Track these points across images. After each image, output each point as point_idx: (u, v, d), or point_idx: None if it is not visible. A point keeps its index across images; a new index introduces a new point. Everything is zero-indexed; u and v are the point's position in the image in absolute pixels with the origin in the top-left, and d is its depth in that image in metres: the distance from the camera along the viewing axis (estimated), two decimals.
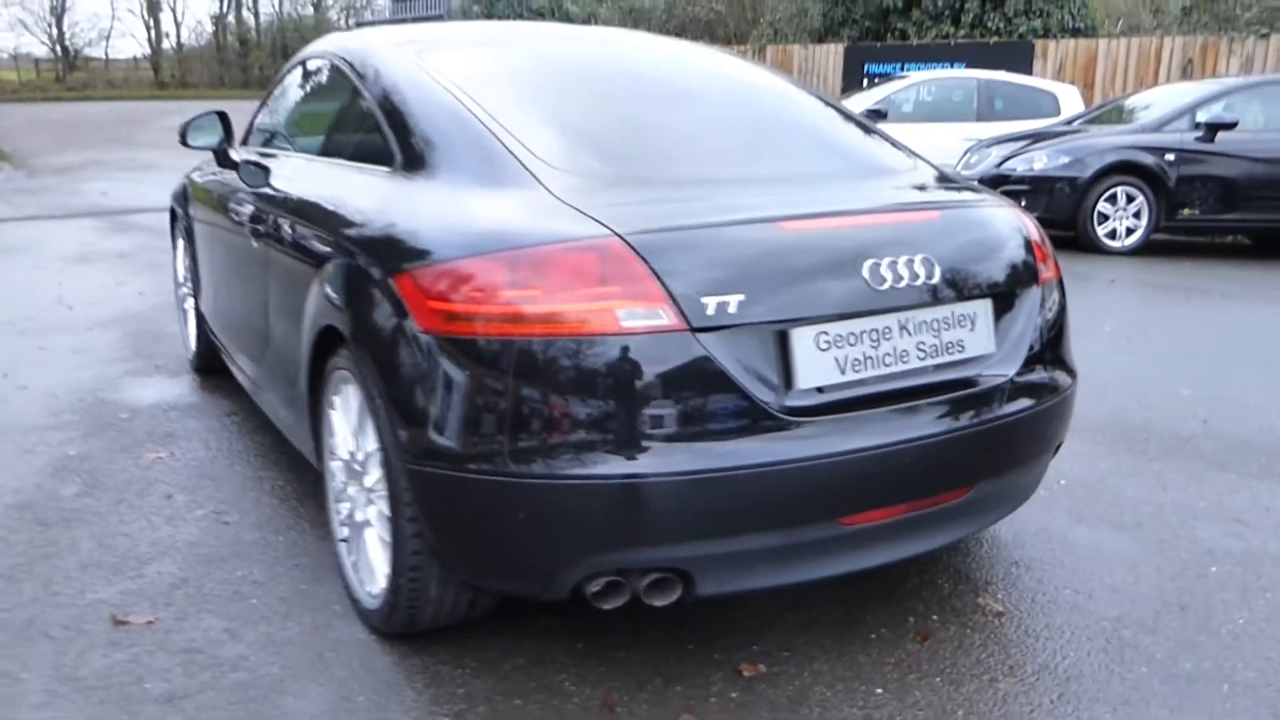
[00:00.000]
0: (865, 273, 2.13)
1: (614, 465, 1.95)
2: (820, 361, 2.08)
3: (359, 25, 21.26)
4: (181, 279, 4.65)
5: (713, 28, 18.29)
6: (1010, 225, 2.46)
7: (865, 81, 15.01)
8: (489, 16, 14.06)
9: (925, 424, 2.16)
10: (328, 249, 2.53)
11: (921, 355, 2.22)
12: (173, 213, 4.62)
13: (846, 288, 2.11)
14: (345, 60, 3.01)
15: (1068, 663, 2.37)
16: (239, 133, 3.84)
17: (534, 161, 2.27)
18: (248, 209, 3.23)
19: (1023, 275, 2.41)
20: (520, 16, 14.17)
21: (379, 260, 2.23)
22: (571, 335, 1.96)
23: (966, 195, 2.53)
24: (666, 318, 1.96)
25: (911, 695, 2.23)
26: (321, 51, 3.34)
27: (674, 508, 1.97)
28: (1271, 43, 10.76)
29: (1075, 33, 12.93)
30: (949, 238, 2.30)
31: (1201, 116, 8.40)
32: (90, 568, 2.76)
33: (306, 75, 3.53)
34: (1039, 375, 2.41)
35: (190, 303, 4.51)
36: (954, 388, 2.24)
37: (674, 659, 2.36)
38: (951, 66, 13.72)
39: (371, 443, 2.33)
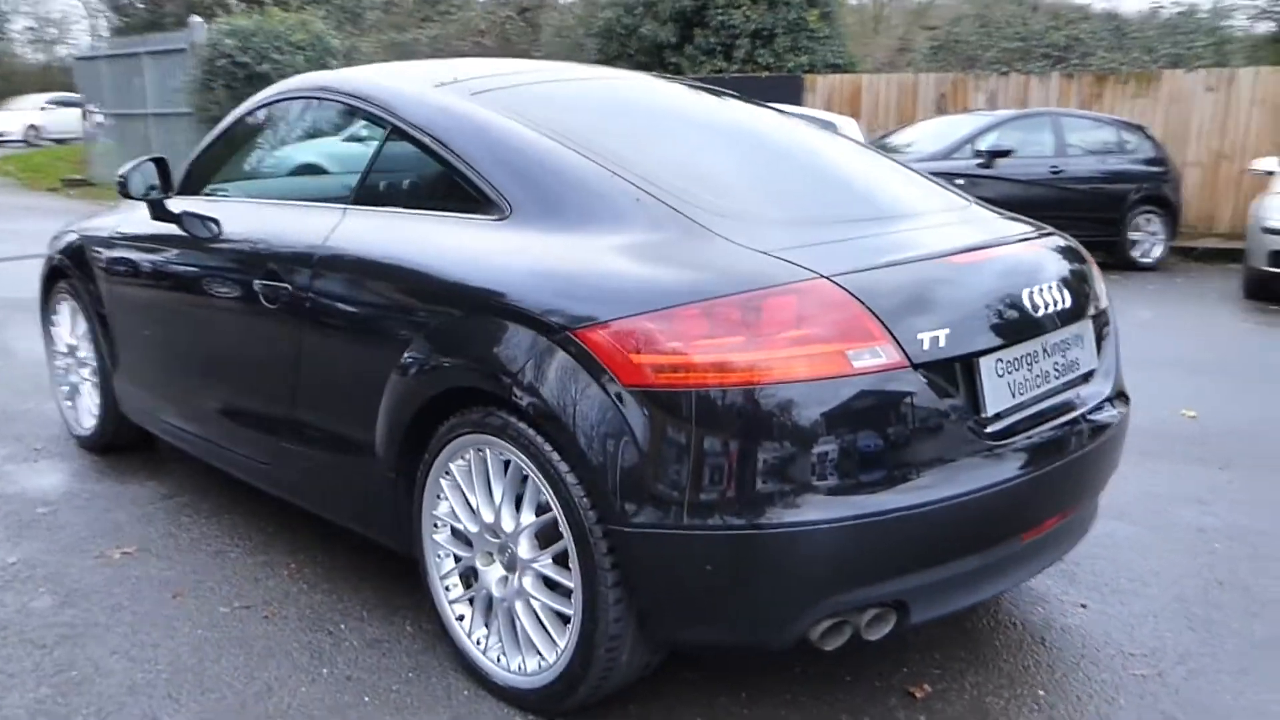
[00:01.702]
0: (1026, 300, 2.27)
1: (852, 506, 1.95)
2: (999, 387, 2.18)
3: (77, 57, 19.32)
4: (66, 349, 4.10)
5: None
6: (1082, 252, 2.68)
7: None
8: (244, 51, 13.22)
9: (1077, 440, 2.31)
10: (433, 306, 2.35)
11: (1057, 374, 2.37)
12: (55, 273, 4.06)
13: (1015, 315, 2.23)
14: (373, 102, 2.80)
15: (1173, 641, 2.60)
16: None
17: (685, 206, 2.23)
18: (247, 268, 2.91)
19: (1099, 297, 2.63)
20: (279, 50, 13.44)
21: (548, 317, 2.11)
22: (801, 380, 1.94)
23: (1033, 226, 2.72)
24: (890, 356, 1.99)
25: (1068, 686, 2.37)
26: (315, 91, 3.08)
27: (902, 541, 2.00)
28: (1011, 79, 12.16)
29: (836, 69, 14.00)
30: (1060, 264, 2.48)
31: (981, 145, 9.37)
32: (140, 689, 2.39)
33: (288, 119, 3.25)
34: (1118, 392, 2.62)
35: (84, 375, 3.99)
36: (1076, 406, 2.41)
37: (842, 692, 2.37)
38: None
39: (528, 514, 2.20)
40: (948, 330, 2.07)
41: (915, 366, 2.01)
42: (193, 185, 3.44)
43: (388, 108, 2.75)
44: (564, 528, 2.11)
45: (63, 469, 3.90)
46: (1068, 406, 2.37)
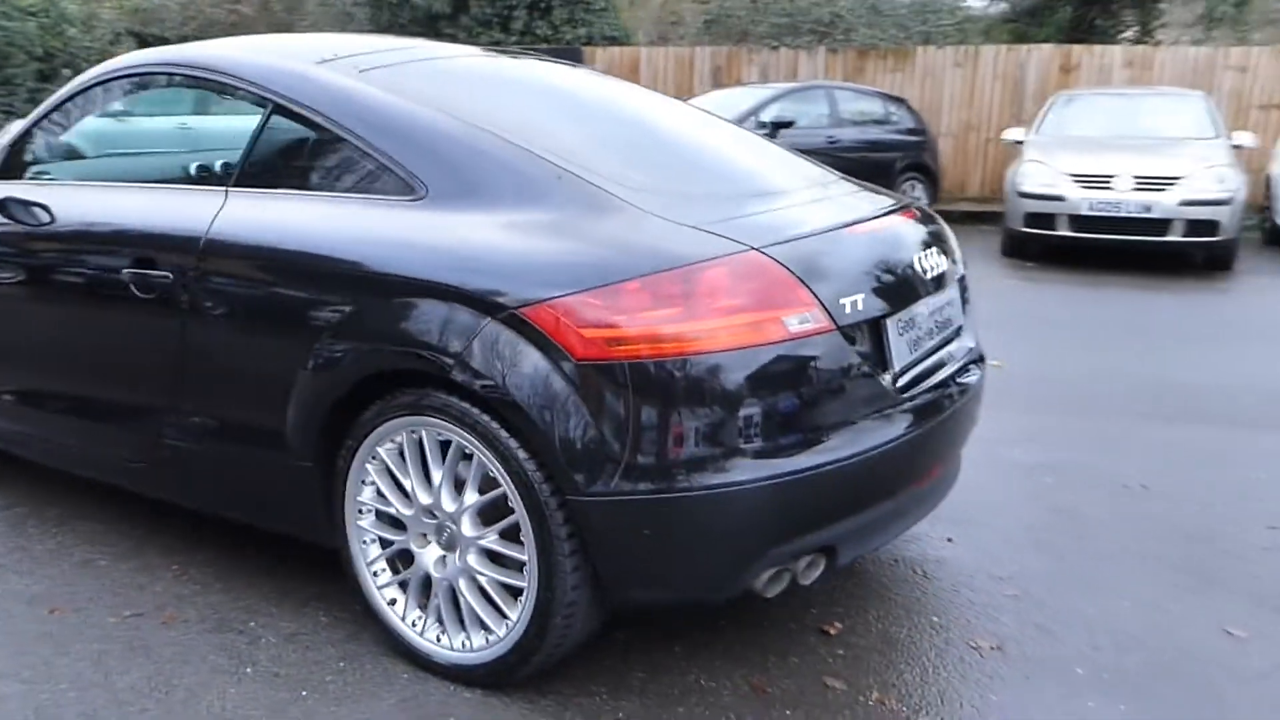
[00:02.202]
0: (916, 265, 2.49)
1: (793, 462, 2.11)
2: (900, 346, 2.40)
3: None
4: None
5: (237, 31, 17.02)
6: (940, 220, 2.95)
7: None
8: None
9: (957, 393, 2.57)
10: (349, 291, 2.30)
11: (938, 331, 2.62)
12: None
13: (908, 278, 2.45)
14: (248, 80, 2.66)
15: (1030, 563, 2.95)
16: None
17: (604, 182, 2.30)
18: (110, 256, 2.71)
19: (959, 262, 2.91)
20: (7, 17, 12.15)
21: (490, 296, 2.12)
22: (743, 346, 2.07)
23: (894, 197, 2.96)
24: (818, 320, 2.15)
25: (955, 611, 2.66)
26: (165, 67, 2.89)
27: (833, 491, 2.18)
28: (781, 54, 12.78)
29: (613, 41, 14.20)
30: (932, 231, 2.73)
31: (765, 117, 9.83)
32: (47, 711, 2.22)
33: (130, 96, 3.02)
34: (979, 354, 2.91)
35: None
36: (951, 362, 2.67)
37: (765, 637, 2.55)
38: None
39: (471, 493, 2.22)
40: (862, 295, 2.26)
41: (839, 329, 2.18)
42: (12, 169, 3.14)
43: (267, 86, 2.63)
44: (515, 502, 2.15)
45: None
46: (945, 362, 2.63)
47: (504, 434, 2.12)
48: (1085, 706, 2.28)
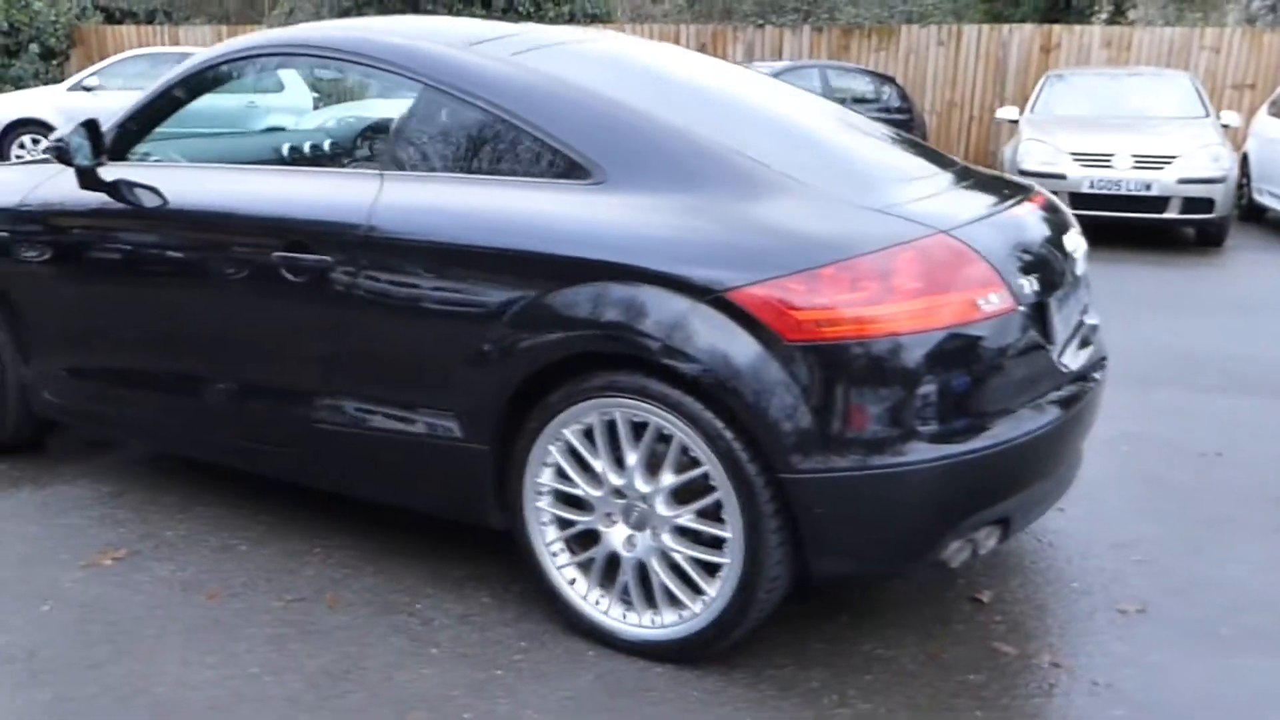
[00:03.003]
0: (1065, 245, 2.58)
1: (991, 435, 2.20)
2: (1059, 325, 2.48)
3: None
4: None
5: (208, 6, 16.54)
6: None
7: None
8: None
9: (1097, 370, 2.67)
10: (535, 275, 2.33)
11: (1081, 312, 2.72)
12: None
13: (1060, 259, 2.54)
14: (396, 65, 2.66)
15: (1143, 530, 3.07)
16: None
17: (786, 167, 2.35)
18: (258, 240, 2.70)
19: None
20: None
21: (695, 279, 2.17)
22: (942, 326, 2.14)
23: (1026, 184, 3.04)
24: (1005, 301, 2.23)
25: (1090, 577, 2.77)
26: (294, 48, 2.87)
27: (1017, 465, 2.27)
28: (766, 31, 12.84)
29: (594, 19, 14.14)
30: (1065, 214, 2.81)
31: None
32: (248, 699, 2.24)
33: (253, 78, 2.99)
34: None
35: None
36: (1091, 342, 2.76)
37: (925, 608, 2.64)
38: None
39: (668, 473, 2.27)
40: (1035, 274, 2.34)
41: (1021, 309, 2.26)
42: (120, 151, 3.09)
43: (419, 70, 2.63)
44: (719, 481, 2.20)
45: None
46: (1089, 341, 2.73)
47: (708, 414, 2.18)
48: (1241, 665, 2.40)
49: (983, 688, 2.30)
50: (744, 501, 2.18)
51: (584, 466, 2.39)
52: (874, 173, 2.60)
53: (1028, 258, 2.39)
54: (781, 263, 2.14)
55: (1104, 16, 13.98)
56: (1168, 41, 11.99)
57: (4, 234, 3.21)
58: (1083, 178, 8.33)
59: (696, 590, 2.31)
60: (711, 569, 2.29)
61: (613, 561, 2.41)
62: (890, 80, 11.16)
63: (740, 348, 2.13)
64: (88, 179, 2.95)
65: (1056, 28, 12.36)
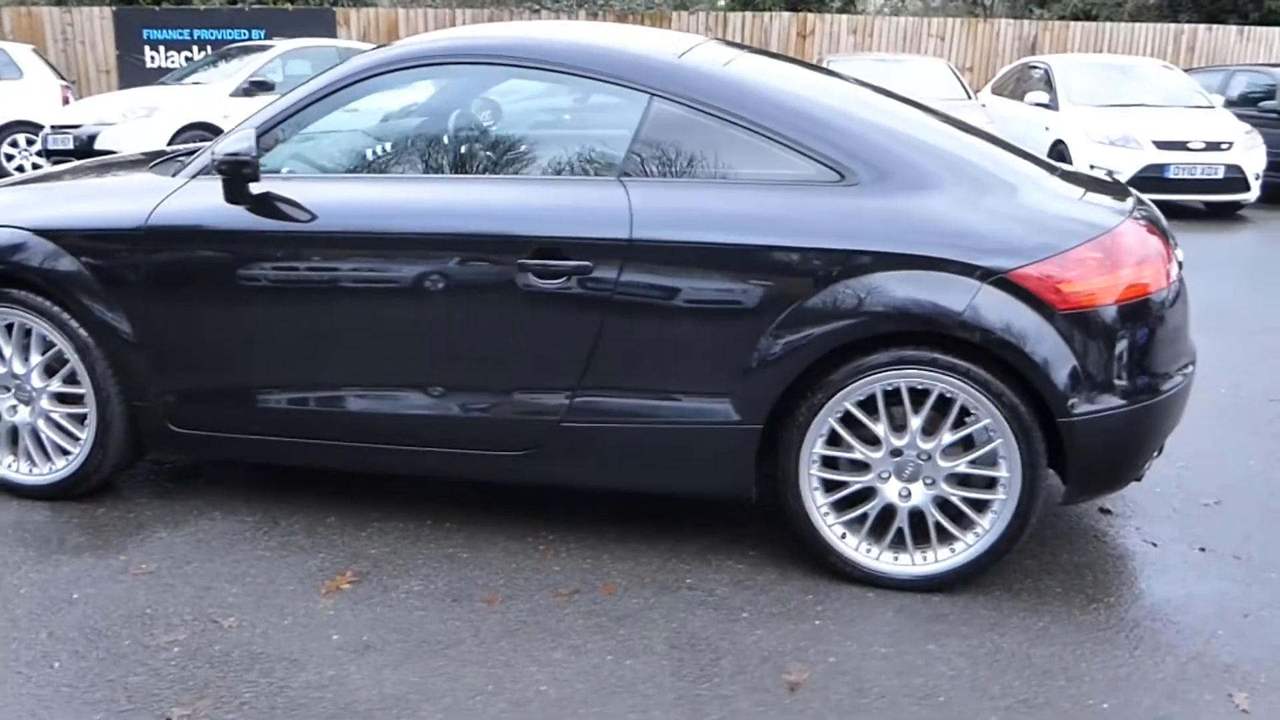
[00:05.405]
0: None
1: (1183, 374, 2.79)
2: None
3: None
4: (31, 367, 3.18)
5: None
6: None
7: (150, 50, 13.66)
8: None
9: None
10: (820, 269, 2.62)
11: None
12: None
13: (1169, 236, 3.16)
14: (615, 76, 2.82)
15: None
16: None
17: (995, 167, 2.81)
18: (494, 249, 2.76)
19: None
20: None
21: (978, 264, 2.56)
22: (1160, 290, 2.68)
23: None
24: (1175, 271, 2.81)
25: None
26: (489, 56, 2.93)
27: (1185, 398, 2.88)
28: (543, 18, 13.05)
29: (359, 3, 13.68)
30: None
31: None
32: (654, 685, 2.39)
33: (433, 86, 2.99)
34: None
35: (44, 407, 3.17)
36: None
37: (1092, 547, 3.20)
38: (249, 33, 13.32)
39: (947, 431, 2.66)
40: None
41: (1179, 279, 2.85)
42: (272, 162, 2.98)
43: (642, 81, 2.81)
44: (1001, 430, 2.62)
45: (118, 524, 3.11)
46: None
47: (987, 376, 2.59)
48: None
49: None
50: (1023, 445, 2.62)
51: (861, 434, 2.71)
52: (1021, 169, 3.08)
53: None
54: (1046, 246, 2.59)
55: (837, 4, 15.49)
56: (902, 30, 13.54)
57: (129, 259, 2.97)
58: None
59: (965, 527, 2.72)
60: (980, 507, 2.71)
61: (884, 514, 2.76)
62: None
63: (1024, 318, 2.56)
64: (249, 196, 2.85)
65: (811, 16, 13.59)
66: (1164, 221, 2.94)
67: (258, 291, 2.92)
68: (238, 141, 2.79)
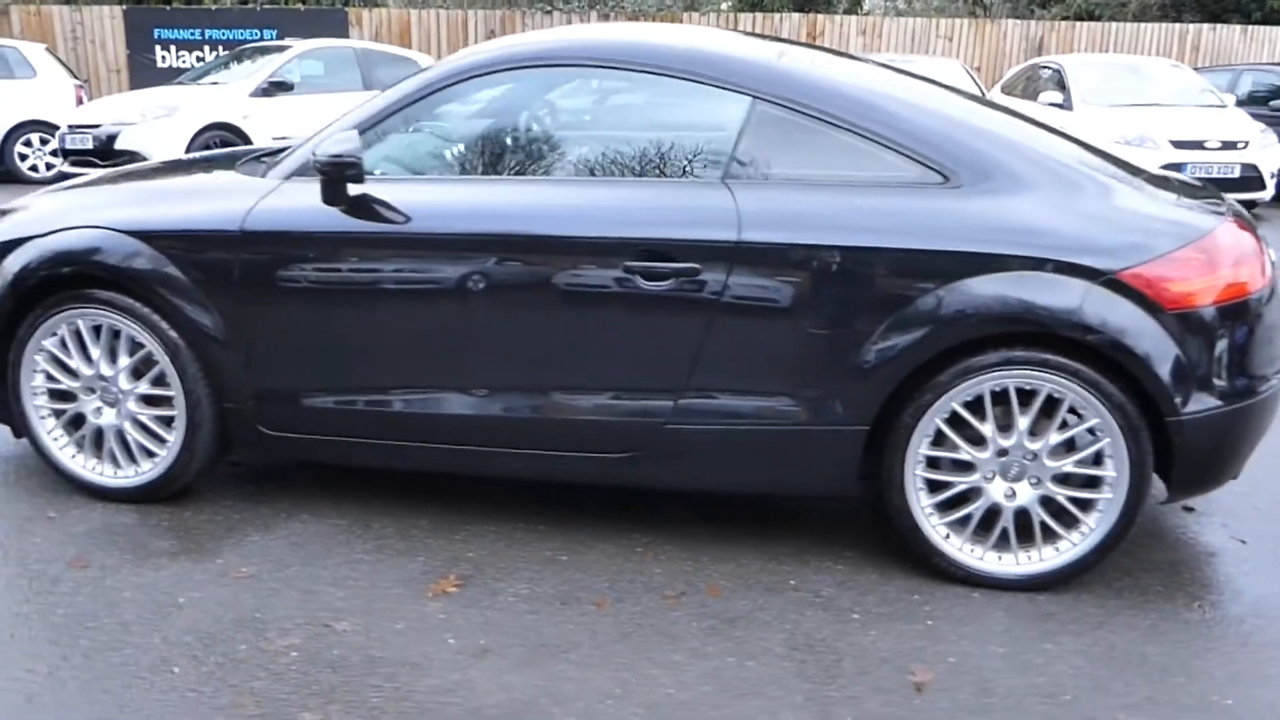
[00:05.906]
0: None
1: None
2: None
3: None
4: (84, 383, 3.17)
5: None
6: None
7: (160, 49, 13.59)
8: None
9: None
10: (930, 271, 2.63)
11: None
12: (40, 287, 3.10)
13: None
14: (721, 79, 2.83)
15: None
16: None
17: (1081, 168, 2.82)
18: (600, 251, 2.76)
19: None
20: None
21: (1088, 265, 2.58)
22: (1260, 289, 2.70)
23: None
24: (1270, 270, 2.83)
25: None
26: (588, 58, 2.93)
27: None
28: (555, 17, 13.06)
29: (373, 3, 13.64)
30: None
31: None
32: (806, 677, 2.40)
33: (531, 88, 2.99)
34: None
35: (131, 409, 3.16)
36: None
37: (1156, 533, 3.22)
38: (261, 33, 13.27)
39: (1054, 431, 2.68)
40: None
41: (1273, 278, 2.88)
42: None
43: (744, 83, 2.82)
44: (1109, 429, 2.64)
45: (216, 533, 3.09)
46: None
47: (1094, 374, 2.60)
48: None
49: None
50: (1130, 444, 2.63)
51: (966, 434, 2.72)
52: (1120, 170, 3.09)
53: None
54: (1153, 247, 2.61)
55: (843, 6, 15.53)
56: (910, 30, 13.59)
57: (224, 260, 2.96)
58: None
59: (1072, 526, 2.74)
60: (1086, 506, 2.72)
61: (988, 514, 2.77)
62: None
63: (1134, 319, 2.58)
64: (347, 198, 2.85)
65: (820, 18, 13.62)
66: (1253, 222, 2.97)
67: (354, 293, 2.92)
68: (341, 143, 2.78)
